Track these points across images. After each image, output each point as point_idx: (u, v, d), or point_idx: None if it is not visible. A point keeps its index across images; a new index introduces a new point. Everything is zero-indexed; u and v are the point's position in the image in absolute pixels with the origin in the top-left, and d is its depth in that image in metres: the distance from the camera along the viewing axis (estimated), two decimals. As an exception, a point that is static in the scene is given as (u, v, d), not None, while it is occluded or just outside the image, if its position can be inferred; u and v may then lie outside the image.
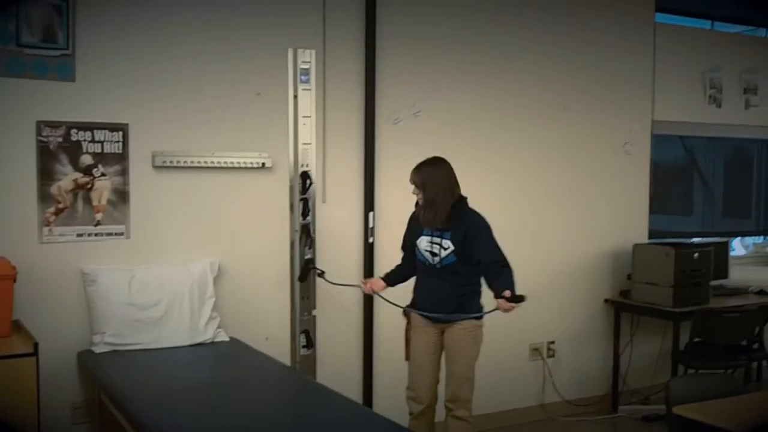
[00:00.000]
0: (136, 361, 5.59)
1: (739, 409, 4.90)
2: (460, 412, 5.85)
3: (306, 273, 6.17)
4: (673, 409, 4.85)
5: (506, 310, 5.50)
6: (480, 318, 5.83)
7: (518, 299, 5.48)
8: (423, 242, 5.81)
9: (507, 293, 5.44)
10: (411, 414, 5.94)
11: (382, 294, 6.08)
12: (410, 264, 6.00)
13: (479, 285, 5.84)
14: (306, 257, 6.16)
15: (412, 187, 5.78)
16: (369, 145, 6.86)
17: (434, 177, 5.74)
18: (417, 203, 5.91)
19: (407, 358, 5.99)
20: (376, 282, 6.09)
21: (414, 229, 5.92)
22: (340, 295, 6.70)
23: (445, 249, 5.71)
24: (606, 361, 8.32)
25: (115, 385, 5.10)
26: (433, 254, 5.75)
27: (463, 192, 5.94)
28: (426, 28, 7.13)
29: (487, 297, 5.80)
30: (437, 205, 5.72)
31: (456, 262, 5.71)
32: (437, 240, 5.74)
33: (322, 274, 6.21)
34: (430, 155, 5.85)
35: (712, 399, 4.97)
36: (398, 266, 6.12)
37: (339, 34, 6.70)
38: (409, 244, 5.98)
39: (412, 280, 6.03)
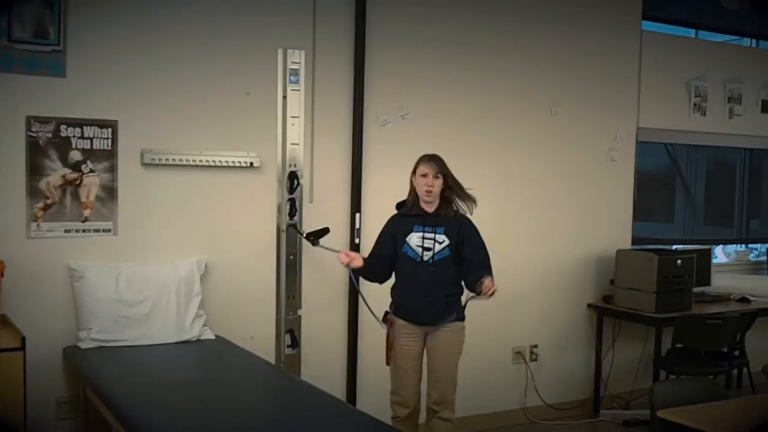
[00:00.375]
0: (122, 357, 5.60)
1: (724, 414, 4.92)
2: (445, 413, 5.88)
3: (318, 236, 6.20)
4: (657, 413, 4.86)
5: (489, 290, 5.48)
6: (464, 319, 5.88)
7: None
8: (414, 238, 5.80)
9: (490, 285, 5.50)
10: (396, 418, 5.92)
11: (364, 297, 6.08)
12: (384, 266, 5.97)
13: (462, 287, 5.88)
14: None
15: (428, 178, 5.75)
16: (356, 147, 6.88)
17: (447, 168, 5.82)
18: (401, 203, 5.94)
19: (389, 363, 5.94)
20: (357, 258, 5.94)
21: (400, 227, 5.88)
22: (326, 296, 6.74)
23: (440, 243, 5.74)
24: (588, 366, 8.36)
25: (101, 381, 5.10)
26: (426, 249, 5.76)
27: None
28: (415, 32, 7.16)
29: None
30: (456, 194, 5.84)
31: (449, 257, 5.75)
32: (430, 235, 5.76)
33: (316, 242, 6.18)
34: (418, 157, 5.87)
35: (697, 404, 4.99)
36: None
37: (329, 36, 6.73)
38: (389, 245, 5.93)
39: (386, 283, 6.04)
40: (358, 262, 5.86)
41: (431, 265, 5.76)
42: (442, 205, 5.82)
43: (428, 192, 5.76)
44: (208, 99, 6.30)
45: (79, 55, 5.83)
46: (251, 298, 6.50)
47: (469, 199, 5.87)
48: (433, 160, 5.78)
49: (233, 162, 6.37)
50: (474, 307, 6.38)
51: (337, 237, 6.84)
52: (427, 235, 5.77)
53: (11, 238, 5.68)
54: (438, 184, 5.75)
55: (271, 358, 6.17)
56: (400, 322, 5.88)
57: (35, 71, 5.69)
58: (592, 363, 8.35)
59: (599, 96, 8.24)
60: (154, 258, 6.13)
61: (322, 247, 6.14)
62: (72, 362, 5.72)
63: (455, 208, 5.84)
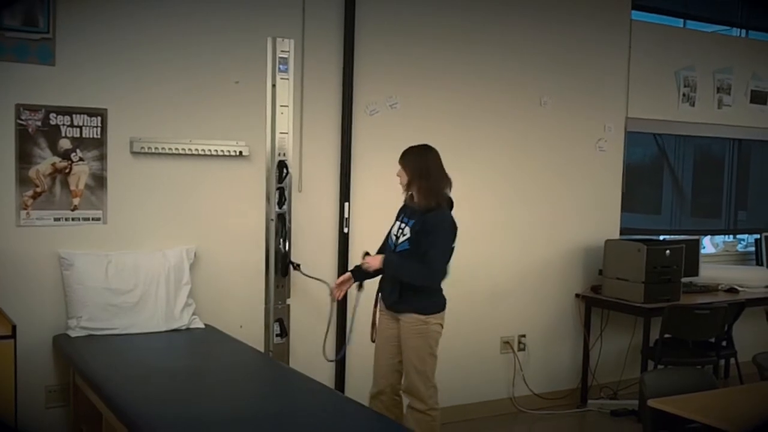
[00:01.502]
0: (112, 345, 5.60)
1: (715, 403, 4.94)
2: (415, 404, 5.90)
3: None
4: (648, 402, 4.86)
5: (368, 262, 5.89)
6: (425, 313, 5.84)
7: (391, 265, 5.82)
8: (395, 227, 5.92)
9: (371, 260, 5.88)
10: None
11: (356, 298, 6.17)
12: None
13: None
14: (283, 252, 6.23)
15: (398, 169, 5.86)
16: (345, 136, 6.88)
17: (411, 161, 5.82)
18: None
19: (372, 339, 6.10)
20: (346, 280, 6.12)
21: (397, 215, 6.00)
22: (314, 285, 6.72)
23: (405, 235, 5.80)
24: (576, 356, 8.38)
25: (91, 369, 5.10)
26: (396, 237, 5.86)
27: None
28: (405, 21, 7.15)
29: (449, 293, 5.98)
30: (416, 188, 5.81)
31: (407, 251, 5.78)
32: (403, 225, 5.84)
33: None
34: (406, 147, 5.90)
35: (687, 393, 5.00)
36: None
37: (318, 25, 6.72)
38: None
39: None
40: (347, 285, 6.13)
41: (395, 255, 5.85)
42: (414, 198, 5.89)
43: (401, 184, 5.87)
44: (197, 88, 6.29)
45: (68, 43, 5.81)
46: (240, 287, 6.50)
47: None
48: (403, 153, 5.87)
49: (222, 151, 6.36)
50: (462, 297, 6.42)
51: (326, 226, 6.88)
52: (401, 225, 5.87)
53: (0, 227, 5.68)
54: (402, 176, 5.84)
55: (260, 347, 6.18)
56: (381, 301, 6.05)
57: (25, 59, 5.68)
58: (580, 353, 8.37)
59: (588, 86, 8.24)
60: (143, 246, 6.13)
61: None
62: (62, 350, 5.72)
63: (423, 201, 5.80)
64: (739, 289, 8.69)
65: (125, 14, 6.01)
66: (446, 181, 5.86)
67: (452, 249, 5.84)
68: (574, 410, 8.19)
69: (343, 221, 6.91)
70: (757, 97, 9.49)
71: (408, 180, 5.81)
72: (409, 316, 5.82)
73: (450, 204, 5.87)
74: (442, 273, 5.83)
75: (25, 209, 5.73)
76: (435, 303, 5.87)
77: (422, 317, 5.81)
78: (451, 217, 5.83)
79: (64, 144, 5.82)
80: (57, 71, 5.79)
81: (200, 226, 6.37)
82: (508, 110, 7.76)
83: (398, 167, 5.84)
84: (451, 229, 5.82)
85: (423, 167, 5.79)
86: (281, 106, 6.17)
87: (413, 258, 5.73)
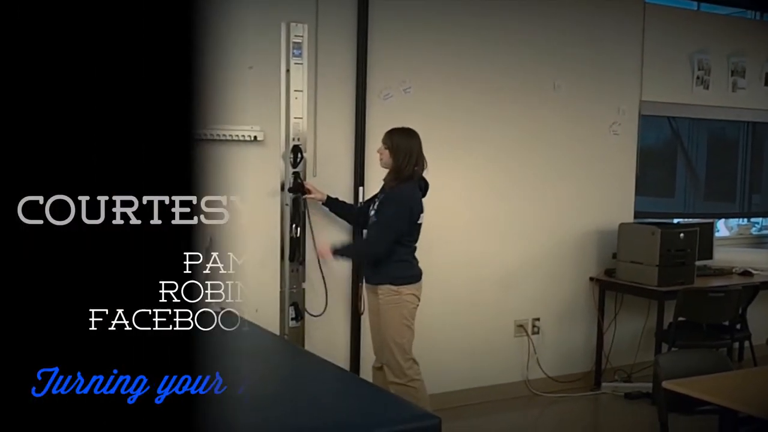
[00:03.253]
0: (128, 329, 5.61)
1: (730, 385, 4.94)
2: (394, 377, 6.05)
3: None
4: (662, 384, 4.87)
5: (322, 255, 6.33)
6: (397, 284, 6.02)
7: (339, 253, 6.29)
8: (376, 203, 6.19)
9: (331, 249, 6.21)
10: None
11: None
12: None
13: (402, 253, 6.04)
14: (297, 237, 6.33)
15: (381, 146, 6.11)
16: (359, 120, 6.88)
17: (395, 143, 6.04)
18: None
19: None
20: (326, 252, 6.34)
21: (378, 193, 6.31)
22: (330, 268, 6.75)
23: (374, 211, 6.11)
24: (590, 339, 8.39)
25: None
26: (372, 214, 6.13)
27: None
28: (418, 6, 7.14)
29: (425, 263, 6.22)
30: (396, 171, 6.03)
31: (375, 221, 6.11)
32: (377, 201, 6.17)
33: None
34: (419, 131, 6.06)
35: (701, 375, 5.00)
36: None
37: (332, 9, 6.71)
38: None
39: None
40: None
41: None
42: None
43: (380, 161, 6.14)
44: (211, 73, 6.28)
45: (83, 29, 5.82)
46: (256, 271, 6.50)
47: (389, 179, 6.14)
48: (389, 132, 6.08)
49: (237, 136, 6.35)
50: (476, 281, 6.41)
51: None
52: (377, 200, 6.17)
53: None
54: (385, 155, 6.06)
55: (276, 331, 6.20)
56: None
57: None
58: (594, 336, 8.37)
59: (602, 69, 8.23)
60: (158, 231, 6.13)
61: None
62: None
63: (391, 180, 6.07)
64: (754, 272, 8.68)
65: (139, 0, 6.01)
66: (422, 166, 6.10)
67: (416, 223, 6.05)
68: (588, 393, 8.20)
69: (357, 205, 6.92)
70: (771, 80, 9.48)
71: (392, 159, 6.01)
72: (384, 287, 6.04)
73: (421, 182, 6.12)
74: (384, 243, 6.03)
75: (41, 194, 5.74)
76: (408, 274, 6.06)
77: (395, 288, 6.00)
78: (408, 193, 6.02)
79: (80, 130, 5.82)
80: (72, 57, 5.80)
81: (215, 210, 6.36)
82: (522, 94, 7.75)
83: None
84: (405, 204, 6.00)
85: (408, 150, 5.99)
86: (295, 91, 6.18)
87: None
